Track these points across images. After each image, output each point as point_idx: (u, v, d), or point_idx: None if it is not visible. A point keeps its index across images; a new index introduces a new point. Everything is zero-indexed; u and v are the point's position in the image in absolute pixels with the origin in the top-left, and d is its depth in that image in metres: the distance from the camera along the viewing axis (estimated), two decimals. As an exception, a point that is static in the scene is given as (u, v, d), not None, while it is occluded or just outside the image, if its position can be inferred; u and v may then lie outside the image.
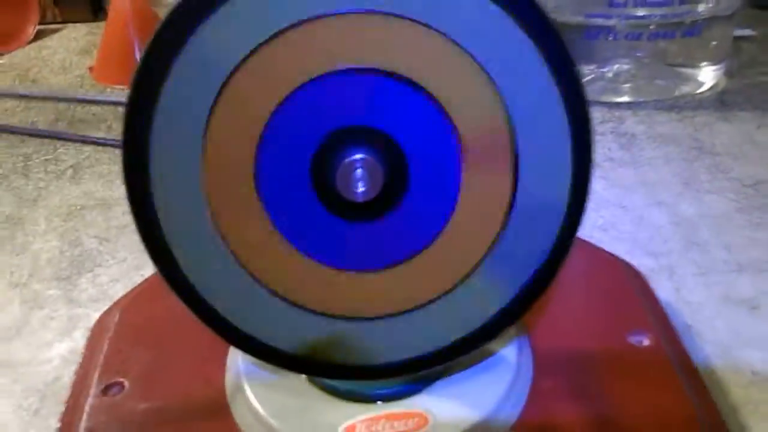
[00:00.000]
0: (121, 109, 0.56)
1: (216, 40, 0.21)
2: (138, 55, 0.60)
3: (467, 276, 0.24)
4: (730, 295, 0.37)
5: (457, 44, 0.21)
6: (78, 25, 0.73)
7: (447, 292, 0.24)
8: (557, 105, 0.22)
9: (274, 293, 0.24)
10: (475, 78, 0.21)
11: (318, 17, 0.21)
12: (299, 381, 0.27)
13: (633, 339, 0.30)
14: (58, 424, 0.29)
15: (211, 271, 0.23)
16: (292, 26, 0.21)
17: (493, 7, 0.21)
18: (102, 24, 0.75)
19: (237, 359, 0.29)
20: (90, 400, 0.29)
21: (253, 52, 0.21)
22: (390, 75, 0.21)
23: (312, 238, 0.23)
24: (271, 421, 0.26)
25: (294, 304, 0.24)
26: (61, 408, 0.30)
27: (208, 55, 0.21)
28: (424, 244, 0.23)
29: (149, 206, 0.22)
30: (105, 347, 0.31)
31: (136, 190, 0.22)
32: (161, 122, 0.21)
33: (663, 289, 0.37)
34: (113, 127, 0.55)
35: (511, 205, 0.23)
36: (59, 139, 0.48)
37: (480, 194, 0.23)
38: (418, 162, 0.22)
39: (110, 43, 0.61)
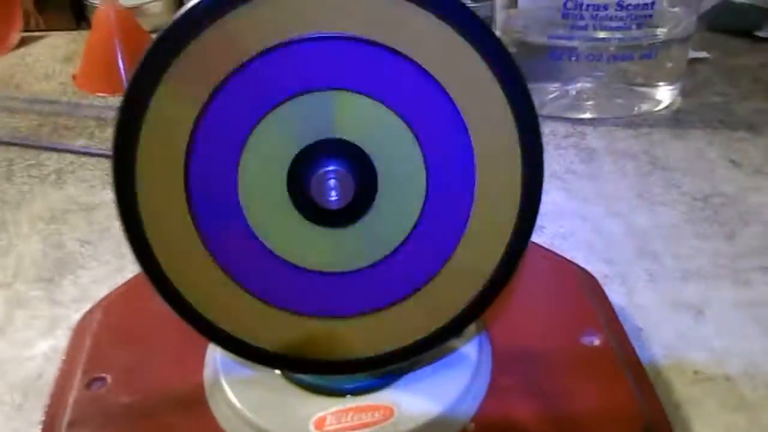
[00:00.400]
0: (103, 116, 0.57)
1: (199, 60, 0.22)
2: (121, 64, 0.62)
3: (432, 277, 0.26)
4: (677, 300, 0.39)
5: (418, 64, 0.23)
6: (61, 33, 0.74)
7: (413, 293, 0.26)
8: (510, 121, 0.24)
9: (252, 293, 0.26)
10: (433, 93, 0.23)
11: (295, 42, 0.23)
12: (273, 376, 0.29)
13: (585, 339, 0.32)
14: (43, 416, 0.30)
15: (191, 271, 0.25)
16: (270, 49, 0.23)
17: (449, 31, 0.23)
18: (84, 33, 0.76)
19: (215, 356, 0.30)
20: (74, 394, 0.30)
21: (231, 73, 0.23)
22: (359, 93, 0.23)
23: (288, 242, 0.25)
24: (247, 414, 0.28)
25: (270, 304, 0.26)
26: (44, 403, 0.32)
27: (192, 75, 0.23)
28: (393, 247, 0.25)
29: (135, 211, 0.24)
30: (88, 344, 0.33)
31: (124, 195, 0.24)
32: (148, 134, 0.23)
33: (616, 294, 0.39)
34: (95, 134, 0.56)
35: (470, 211, 0.25)
36: (44, 149, 0.49)
37: (442, 200, 0.25)
38: (385, 171, 0.25)
39: (94, 52, 0.63)
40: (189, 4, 0.22)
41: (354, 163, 0.24)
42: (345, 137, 0.24)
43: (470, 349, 0.30)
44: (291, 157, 0.24)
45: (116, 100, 0.60)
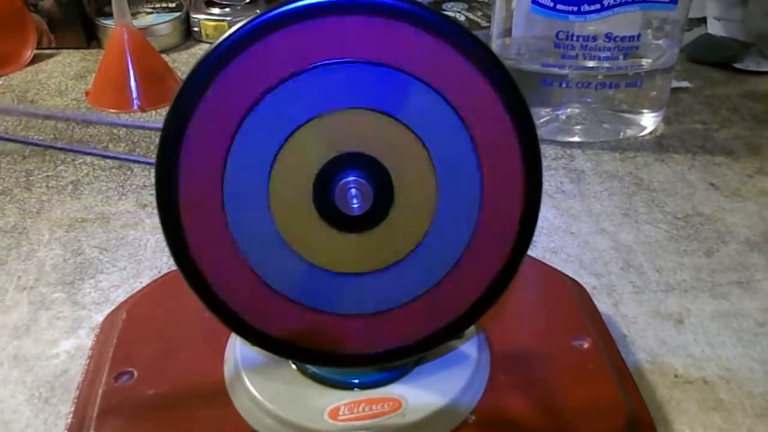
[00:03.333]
0: (116, 131, 0.60)
1: (236, 81, 0.25)
2: (133, 83, 0.65)
3: (440, 279, 0.29)
4: (659, 310, 0.42)
5: (430, 85, 0.26)
6: (72, 51, 0.77)
7: (422, 294, 0.29)
8: (514, 143, 0.27)
9: (279, 292, 0.28)
10: (444, 111, 0.26)
11: (323, 65, 0.26)
12: (289, 371, 0.32)
13: (575, 342, 0.35)
14: (72, 408, 0.32)
15: (226, 272, 0.27)
16: (300, 71, 0.26)
17: (459, 57, 0.26)
18: (95, 51, 0.79)
19: (234, 352, 0.33)
20: (102, 387, 0.32)
21: (265, 92, 0.26)
22: (378, 111, 0.26)
23: (313, 246, 0.28)
24: (267, 405, 0.30)
25: (295, 302, 0.28)
26: (70, 397, 0.34)
27: (229, 94, 0.25)
28: (406, 252, 0.28)
29: (176, 216, 0.27)
30: (114, 341, 0.35)
31: (166, 200, 0.26)
32: (189, 146, 0.26)
33: (603, 304, 0.42)
34: (109, 147, 0.58)
35: (476, 223, 0.28)
36: (68, 150, 0.51)
37: (451, 210, 0.28)
38: (401, 182, 0.27)
39: (107, 70, 0.65)
40: (229, 31, 0.25)
41: (373, 174, 0.27)
42: (365, 151, 0.27)
43: (470, 349, 0.33)
44: (317, 169, 0.27)
45: (128, 117, 0.63)
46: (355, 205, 0.26)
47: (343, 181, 0.26)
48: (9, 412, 0.35)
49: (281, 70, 0.25)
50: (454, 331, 0.30)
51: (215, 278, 0.28)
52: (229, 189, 0.26)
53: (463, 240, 0.28)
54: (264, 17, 0.25)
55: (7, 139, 0.55)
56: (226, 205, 0.27)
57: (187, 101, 0.25)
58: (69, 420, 0.32)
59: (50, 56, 0.77)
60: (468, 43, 0.26)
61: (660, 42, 0.59)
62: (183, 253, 0.27)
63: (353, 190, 0.26)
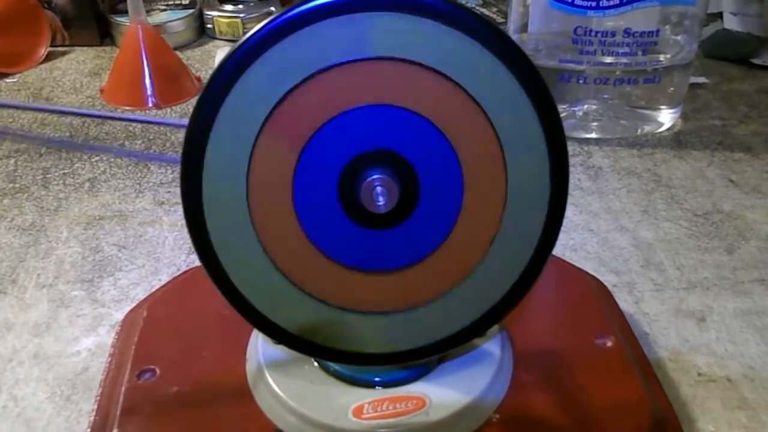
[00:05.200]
0: (131, 128, 0.60)
1: (261, 80, 0.25)
2: (148, 80, 0.65)
3: (462, 280, 0.29)
4: (681, 308, 0.42)
5: (455, 81, 0.26)
6: (86, 48, 0.77)
7: (445, 293, 0.29)
8: (540, 139, 0.27)
9: (302, 289, 0.28)
10: (473, 112, 0.26)
11: (347, 63, 0.25)
12: (312, 369, 0.31)
13: (598, 341, 0.34)
14: (95, 405, 0.32)
15: (250, 270, 0.27)
16: (324, 70, 0.25)
17: (491, 56, 0.26)
18: (109, 48, 0.79)
19: (257, 350, 0.33)
20: (125, 384, 0.32)
21: (290, 90, 0.25)
22: (402, 108, 0.26)
23: (338, 244, 0.28)
24: (290, 403, 0.30)
25: (319, 300, 0.28)
26: (92, 394, 0.34)
27: (254, 90, 0.25)
28: (429, 251, 0.28)
29: (200, 215, 0.26)
30: (136, 338, 0.35)
31: (191, 200, 0.26)
32: (214, 147, 0.26)
33: (624, 302, 0.42)
34: (125, 145, 0.58)
35: (501, 222, 0.28)
36: (87, 149, 0.51)
37: (476, 206, 0.27)
38: (427, 180, 0.27)
39: (122, 67, 0.65)
40: (255, 27, 0.25)
41: (398, 171, 0.27)
42: (390, 148, 0.27)
43: (493, 347, 0.33)
44: (342, 165, 0.27)
45: (143, 114, 0.63)
46: (381, 203, 0.26)
47: (369, 179, 0.26)
48: (31, 410, 0.35)
49: (307, 67, 0.25)
50: (477, 330, 0.30)
51: (239, 276, 0.27)
52: (254, 185, 0.26)
53: (489, 238, 0.28)
54: (291, 13, 0.25)
55: (24, 137, 0.55)
56: (250, 201, 0.27)
57: (213, 98, 0.25)
58: (92, 418, 0.32)
59: (64, 54, 0.77)
60: (492, 37, 0.25)
61: (678, 38, 0.58)
62: (208, 252, 0.27)
63: (379, 188, 0.26)
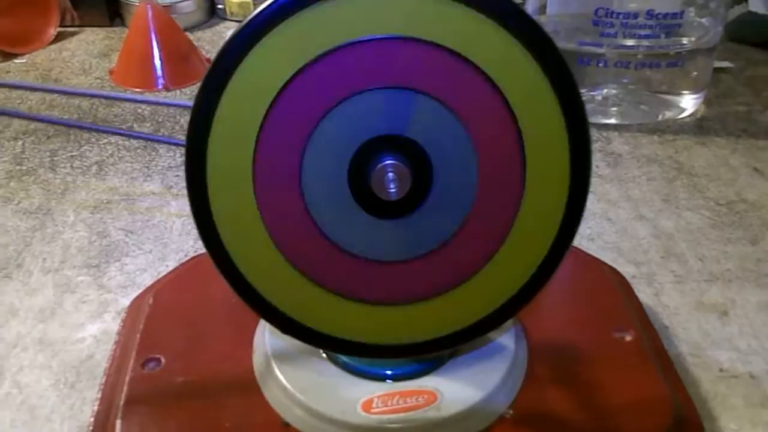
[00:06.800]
0: (140, 110, 0.59)
1: (268, 60, 0.24)
2: (158, 61, 0.63)
3: (477, 271, 0.27)
4: (702, 301, 0.41)
5: (471, 62, 0.24)
6: (95, 29, 0.76)
7: (459, 285, 0.28)
8: (560, 125, 0.25)
9: (308, 277, 0.27)
10: (485, 90, 0.25)
11: (359, 42, 0.24)
12: (321, 360, 0.31)
13: (617, 334, 0.33)
14: (99, 394, 0.32)
15: (254, 254, 0.26)
16: (336, 49, 0.24)
17: (510, 38, 0.24)
18: (118, 29, 0.78)
19: (264, 341, 0.32)
20: (130, 373, 0.32)
21: (299, 71, 0.24)
22: (417, 91, 0.25)
23: (347, 233, 0.26)
24: (297, 396, 0.29)
25: (324, 288, 0.27)
26: (96, 382, 0.33)
27: (262, 72, 0.24)
28: (443, 239, 0.27)
29: (206, 203, 0.25)
30: (141, 326, 0.34)
31: (196, 188, 0.25)
32: (219, 130, 0.25)
33: (643, 294, 0.40)
34: (134, 127, 0.58)
35: (518, 211, 0.26)
36: (94, 130, 0.50)
37: (492, 194, 0.26)
38: (440, 164, 0.26)
39: (131, 48, 0.64)
40: (262, 5, 0.24)
41: (411, 157, 0.25)
42: (403, 133, 0.25)
43: (507, 340, 0.32)
44: (352, 151, 0.26)
45: (152, 96, 0.62)
46: (393, 190, 0.25)
47: (380, 165, 0.25)
48: (35, 397, 0.34)
49: (315, 46, 0.24)
50: (492, 323, 0.29)
51: (245, 264, 0.26)
52: (261, 170, 0.25)
53: (504, 227, 0.27)
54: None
55: (32, 118, 0.54)
56: (256, 187, 0.25)
57: (217, 80, 0.24)
58: (96, 407, 0.31)
59: (73, 34, 0.76)
60: (514, 19, 0.24)
61: (703, 20, 0.56)
62: (213, 238, 0.26)
63: (390, 174, 0.25)
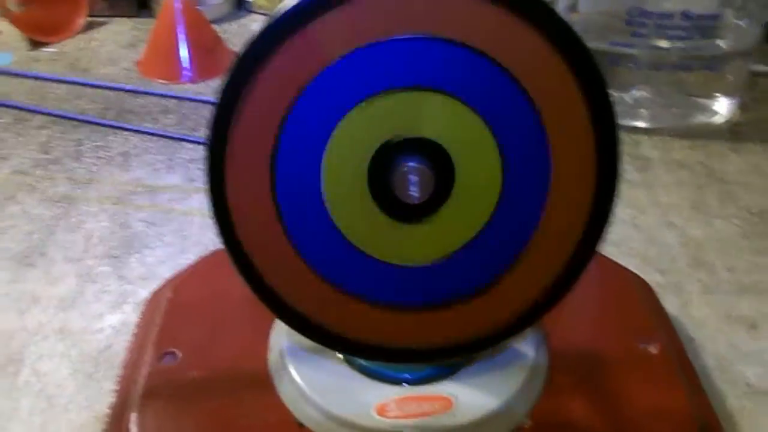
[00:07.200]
0: (166, 102, 0.59)
1: (289, 60, 0.24)
2: (187, 54, 0.64)
3: (500, 276, 0.27)
4: (731, 313, 0.39)
5: (497, 62, 0.24)
6: (123, 19, 0.76)
7: (483, 289, 0.27)
8: (588, 127, 0.25)
9: (327, 279, 0.27)
10: (511, 91, 0.24)
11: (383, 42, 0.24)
12: (337, 362, 0.30)
13: (642, 346, 0.32)
14: (116, 386, 0.32)
15: (271, 253, 0.26)
16: (354, 50, 0.24)
17: (538, 37, 0.23)
18: (146, 20, 0.78)
19: (280, 341, 0.31)
20: (147, 366, 0.32)
21: (321, 70, 0.24)
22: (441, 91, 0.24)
23: (366, 233, 0.26)
24: (313, 397, 0.29)
25: (343, 291, 0.27)
26: (114, 373, 0.33)
27: (282, 73, 0.24)
28: (464, 243, 0.26)
29: (224, 201, 0.25)
30: (159, 320, 0.34)
31: (215, 181, 0.25)
32: (239, 126, 0.24)
33: (669, 304, 0.39)
34: (159, 119, 0.58)
35: (541, 214, 0.26)
36: (114, 128, 0.51)
37: (516, 197, 0.25)
38: (463, 167, 0.25)
39: (158, 40, 0.64)
40: (282, 7, 0.23)
41: (433, 159, 0.25)
42: (425, 134, 0.25)
43: (527, 348, 0.31)
44: (372, 152, 0.25)
45: (178, 88, 0.62)
46: (415, 193, 0.25)
47: (401, 167, 0.25)
48: (53, 386, 0.34)
49: (339, 47, 0.23)
50: (513, 329, 0.28)
51: (263, 263, 0.26)
52: (281, 171, 0.25)
53: (527, 231, 0.26)
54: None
55: (57, 116, 0.55)
56: (276, 187, 0.25)
57: (240, 77, 0.24)
58: (113, 399, 0.31)
59: (102, 24, 0.77)
60: (542, 17, 0.23)
61: (741, 22, 0.55)
62: (230, 235, 0.26)
63: (412, 177, 0.25)
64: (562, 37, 0.23)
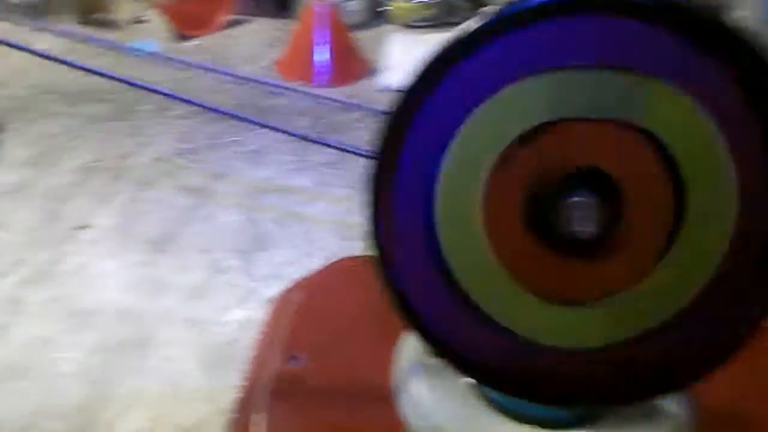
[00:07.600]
0: (301, 103, 0.59)
1: (454, 92, 0.23)
2: (322, 57, 0.64)
3: (670, 321, 0.24)
4: None
5: (687, 91, 0.22)
6: (264, 19, 0.79)
7: (648, 334, 0.24)
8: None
9: (488, 317, 0.25)
10: (700, 121, 0.22)
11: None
12: (468, 392, 0.28)
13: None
14: (245, 382, 0.31)
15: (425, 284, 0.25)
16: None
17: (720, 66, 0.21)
18: (286, 21, 0.80)
19: (407, 357, 0.30)
20: (273, 367, 0.31)
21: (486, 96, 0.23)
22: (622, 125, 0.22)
23: (530, 269, 0.24)
24: (441, 424, 0.27)
25: (502, 325, 0.25)
26: (236, 367, 0.33)
27: (452, 98, 0.23)
28: (634, 282, 0.24)
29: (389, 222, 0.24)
30: (288, 322, 0.34)
31: (379, 204, 0.24)
32: (412, 141, 0.23)
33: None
34: (291, 120, 0.58)
35: (725, 250, 0.23)
36: (256, 124, 0.52)
37: (697, 235, 0.23)
38: (634, 199, 0.23)
39: (299, 41, 0.66)
40: (466, 27, 0.22)
41: (602, 193, 0.23)
42: (595, 165, 0.23)
43: (670, 404, 0.28)
44: (537, 186, 0.23)
45: (311, 89, 0.63)
46: (582, 228, 0.22)
47: (568, 201, 0.23)
48: (179, 374, 0.35)
49: (510, 73, 0.22)
50: (680, 382, 0.25)
51: (416, 298, 0.25)
52: (439, 205, 0.24)
53: (704, 272, 0.23)
54: (495, 19, 0.22)
55: (198, 105, 0.56)
56: (437, 212, 0.24)
57: (412, 101, 0.23)
58: (240, 394, 0.31)
59: (243, 22, 0.79)
60: (722, 40, 0.21)
61: None
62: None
63: (580, 212, 0.23)
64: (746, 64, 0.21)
